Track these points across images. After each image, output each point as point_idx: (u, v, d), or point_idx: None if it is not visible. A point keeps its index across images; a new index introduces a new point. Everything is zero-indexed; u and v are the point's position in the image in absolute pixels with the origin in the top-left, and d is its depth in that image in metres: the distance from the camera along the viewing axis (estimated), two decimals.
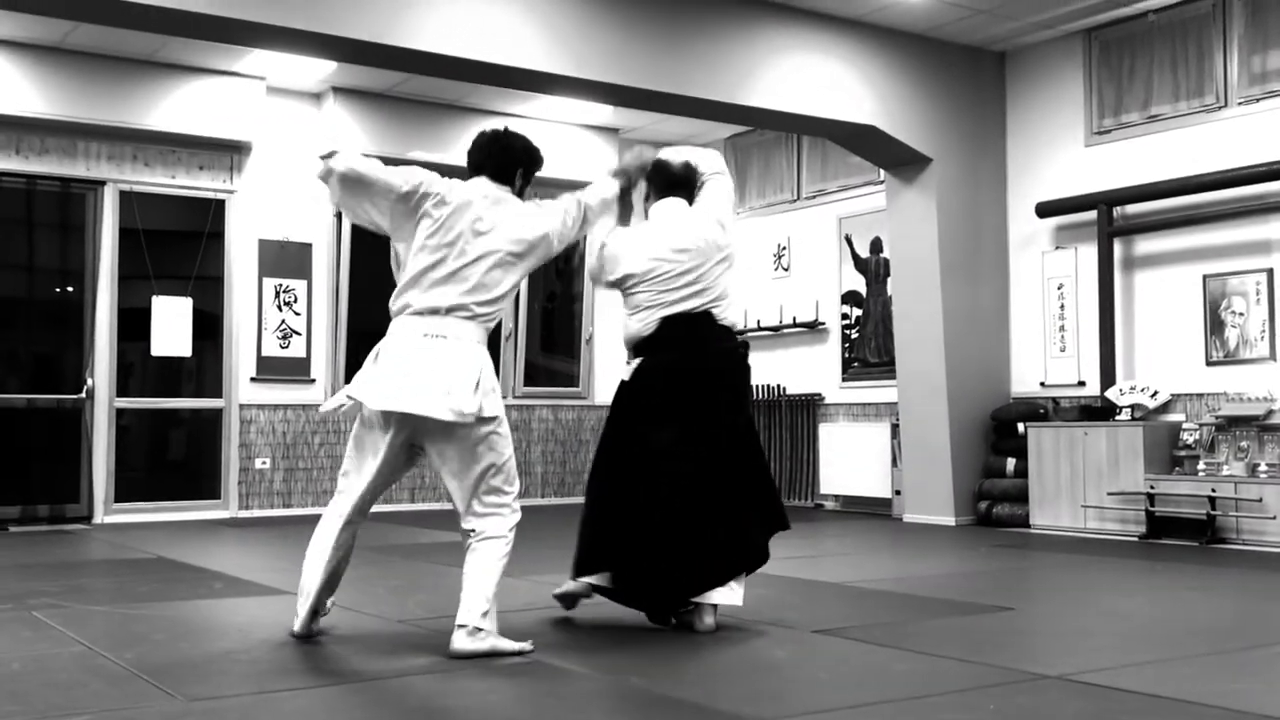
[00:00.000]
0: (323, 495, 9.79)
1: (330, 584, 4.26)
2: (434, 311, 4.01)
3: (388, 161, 10.43)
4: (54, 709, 3.28)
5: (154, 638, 4.42)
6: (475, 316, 4.04)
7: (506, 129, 4.39)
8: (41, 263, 9.32)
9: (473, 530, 4.01)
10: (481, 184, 4.23)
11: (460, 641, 3.89)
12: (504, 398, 10.08)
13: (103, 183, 9.25)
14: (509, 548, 4.02)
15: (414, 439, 4.07)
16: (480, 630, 3.89)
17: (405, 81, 9.47)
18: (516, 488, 4.10)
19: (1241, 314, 7.77)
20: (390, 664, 3.92)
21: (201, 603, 5.37)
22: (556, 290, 11.78)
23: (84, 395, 9.07)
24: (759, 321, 10.86)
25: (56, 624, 4.65)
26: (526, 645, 3.97)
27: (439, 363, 3.93)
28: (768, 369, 10.79)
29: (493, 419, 3.98)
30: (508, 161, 4.28)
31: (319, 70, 9.31)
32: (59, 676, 3.71)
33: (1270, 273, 7.64)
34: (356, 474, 4.17)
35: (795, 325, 10.59)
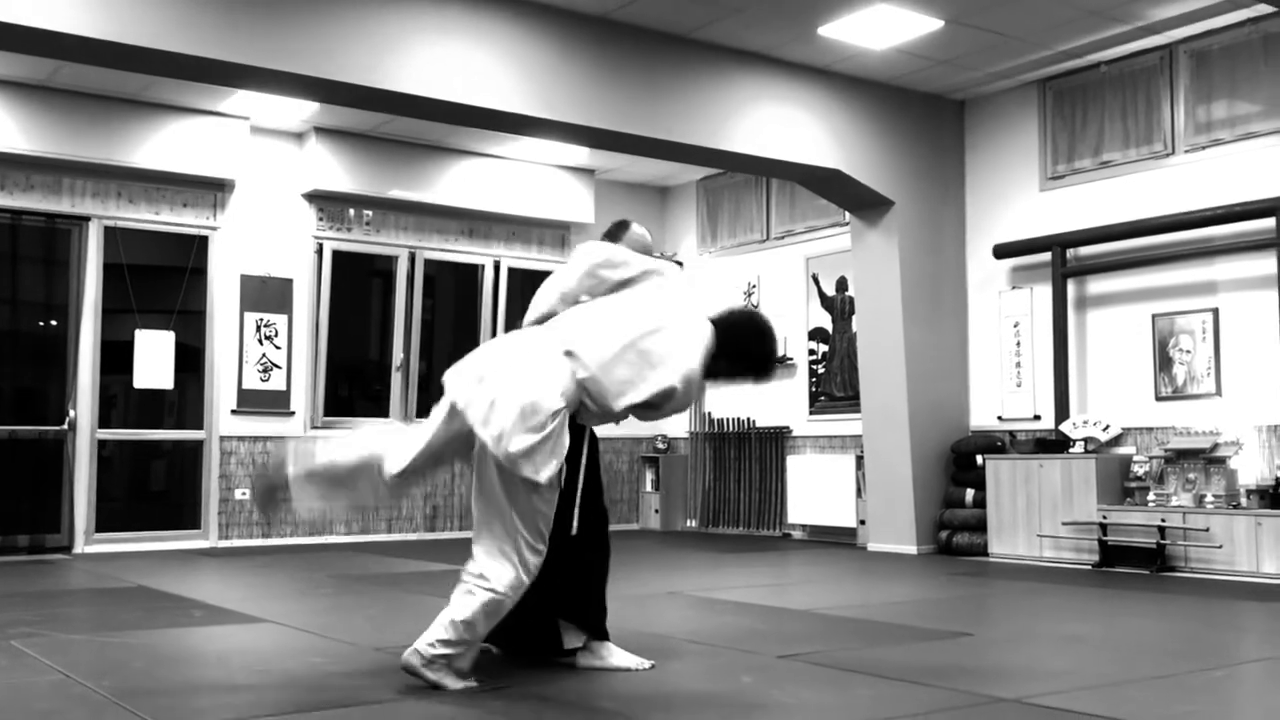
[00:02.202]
0: (301, 525, 9.92)
1: (330, 477, 3.85)
2: None
3: (369, 200, 10.61)
4: None
5: (133, 665, 4.36)
6: None
7: None
8: (26, 296, 9.41)
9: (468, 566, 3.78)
10: None
11: (408, 655, 3.81)
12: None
13: (88, 218, 9.40)
14: (500, 603, 3.73)
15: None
16: (428, 660, 3.77)
17: (386, 123, 9.69)
18: (535, 553, 3.76)
19: (1189, 351, 8.07)
20: (367, 691, 3.89)
21: (180, 631, 5.30)
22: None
23: (66, 427, 9.20)
24: None
25: (35, 652, 4.57)
26: (472, 682, 3.84)
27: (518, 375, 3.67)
28: (738, 402, 11.06)
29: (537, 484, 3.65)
30: None
31: (301, 111, 9.50)
32: (37, 704, 3.66)
33: (1216, 312, 7.95)
34: (418, 428, 3.86)
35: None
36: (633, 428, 9.39)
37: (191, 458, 9.82)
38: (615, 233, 4.59)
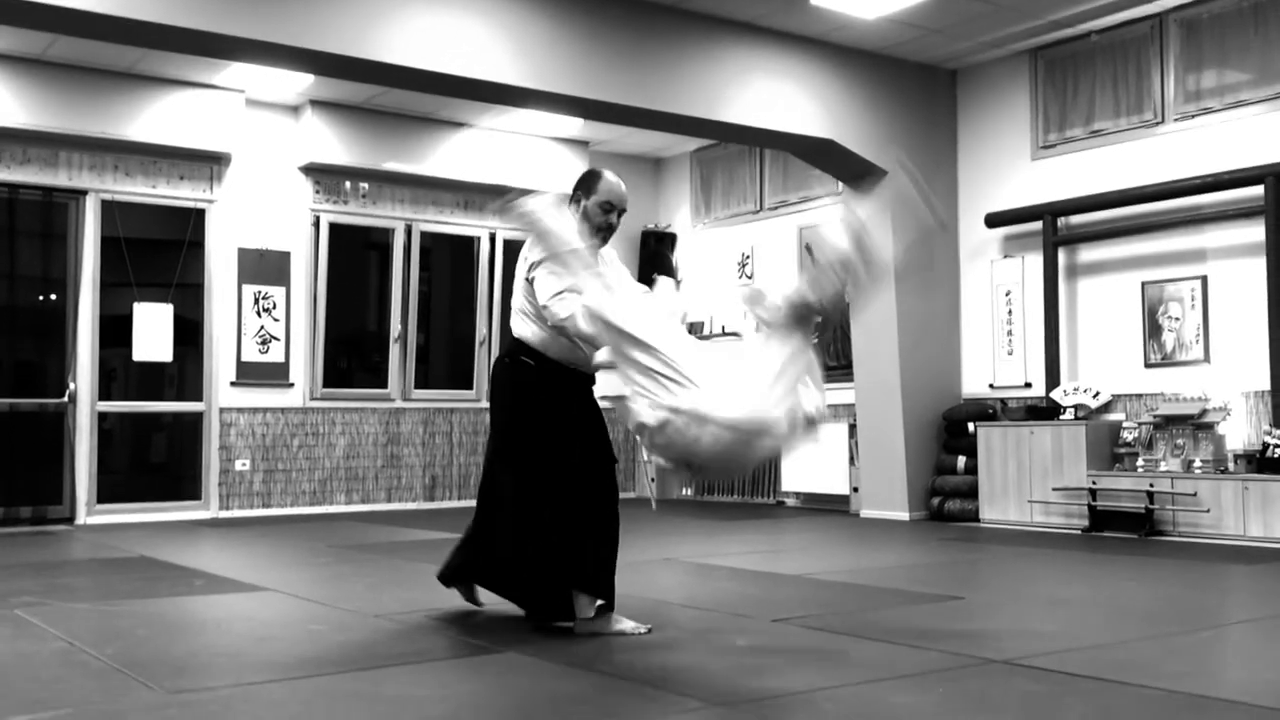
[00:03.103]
0: (301, 495, 10.02)
1: None
2: None
3: (365, 173, 10.64)
4: (37, 703, 3.28)
5: (135, 633, 4.40)
6: None
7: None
8: (24, 270, 9.46)
9: None
10: None
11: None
12: (393, 400, 10.55)
13: (84, 192, 9.43)
14: None
15: None
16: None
17: (381, 95, 9.71)
18: None
19: (1178, 319, 8.15)
20: (366, 657, 3.94)
21: (182, 599, 5.35)
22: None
23: (66, 399, 9.27)
24: (723, 328, 11.19)
25: (38, 621, 4.62)
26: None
27: None
28: None
29: None
30: None
31: (297, 83, 9.51)
32: (41, 672, 3.71)
33: (1204, 280, 8.02)
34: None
35: (758, 330, 10.90)
36: None
37: (191, 429, 9.89)
38: (589, 184, 4.51)
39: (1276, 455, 7.24)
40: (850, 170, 9.21)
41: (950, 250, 9.53)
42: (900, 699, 3.33)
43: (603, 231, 4.49)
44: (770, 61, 8.58)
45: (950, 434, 9.20)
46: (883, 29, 8.55)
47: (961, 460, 9.03)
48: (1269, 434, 7.34)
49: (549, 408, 4.36)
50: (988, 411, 9.02)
